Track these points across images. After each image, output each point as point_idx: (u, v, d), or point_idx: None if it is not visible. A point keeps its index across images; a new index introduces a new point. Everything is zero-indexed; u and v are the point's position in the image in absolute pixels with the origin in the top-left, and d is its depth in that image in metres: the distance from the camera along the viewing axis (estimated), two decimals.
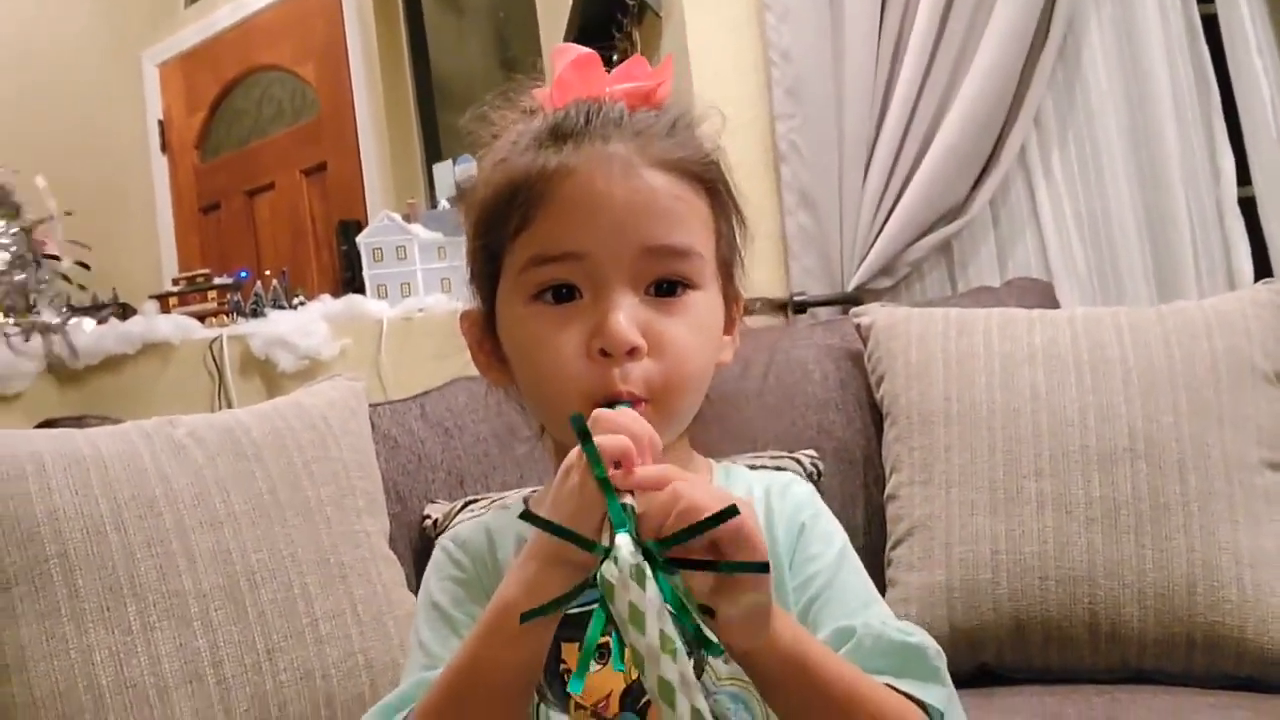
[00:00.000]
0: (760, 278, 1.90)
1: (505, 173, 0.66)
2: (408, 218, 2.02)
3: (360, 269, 3.15)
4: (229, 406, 1.79)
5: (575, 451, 0.55)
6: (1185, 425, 1.19)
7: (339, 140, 3.38)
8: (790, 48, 1.86)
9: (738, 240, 0.74)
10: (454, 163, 3.29)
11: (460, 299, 1.81)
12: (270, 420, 1.21)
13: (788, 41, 1.86)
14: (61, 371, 1.76)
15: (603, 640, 0.53)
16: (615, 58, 2.36)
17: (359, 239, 1.96)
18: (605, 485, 0.53)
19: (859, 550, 1.40)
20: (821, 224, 1.86)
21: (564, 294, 0.64)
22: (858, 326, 1.49)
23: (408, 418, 1.46)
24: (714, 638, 0.52)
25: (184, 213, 3.83)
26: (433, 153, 3.36)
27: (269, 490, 1.13)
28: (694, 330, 0.66)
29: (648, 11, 2.14)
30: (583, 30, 2.43)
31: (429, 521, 1.32)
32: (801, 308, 1.85)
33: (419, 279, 1.93)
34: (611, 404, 0.61)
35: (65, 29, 3.50)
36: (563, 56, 0.71)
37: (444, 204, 2.13)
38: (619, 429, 0.55)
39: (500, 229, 0.65)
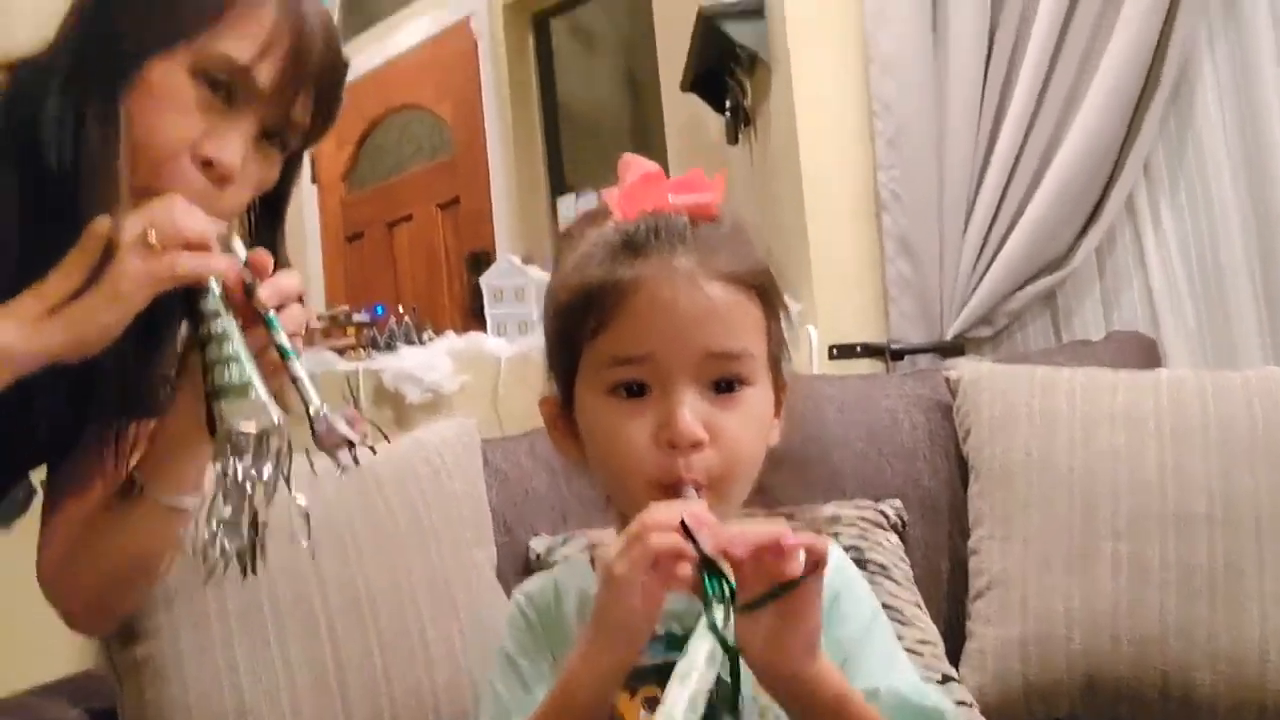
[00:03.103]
0: (860, 323, 1.96)
1: (583, 279, 0.76)
2: (527, 260, 2.15)
3: None
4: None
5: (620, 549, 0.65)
6: (1264, 492, 1.20)
7: (471, 176, 3.57)
8: (893, 99, 1.91)
9: (785, 334, 0.82)
10: (576, 198, 3.45)
11: None
12: (392, 456, 1.35)
13: (890, 92, 1.91)
14: None
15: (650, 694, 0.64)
16: (728, 102, 2.47)
17: (482, 280, 2.11)
18: (706, 562, 0.63)
19: (941, 599, 1.46)
20: (921, 272, 1.90)
21: (635, 389, 0.74)
22: (947, 380, 1.54)
23: (518, 453, 1.57)
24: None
25: (331, 240, 4.11)
26: (557, 186, 3.52)
27: (389, 518, 1.27)
28: (748, 423, 0.75)
29: (758, 62, 2.23)
30: (698, 77, 2.54)
31: (533, 554, 1.43)
32: (899, 355, 1.89)
33: (535, 319, 2.07)
34: (676, 489, 0.71)
35: None
36: (629, 169, 0.80)
37: None
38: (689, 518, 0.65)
39: (579, 330, 0.75)
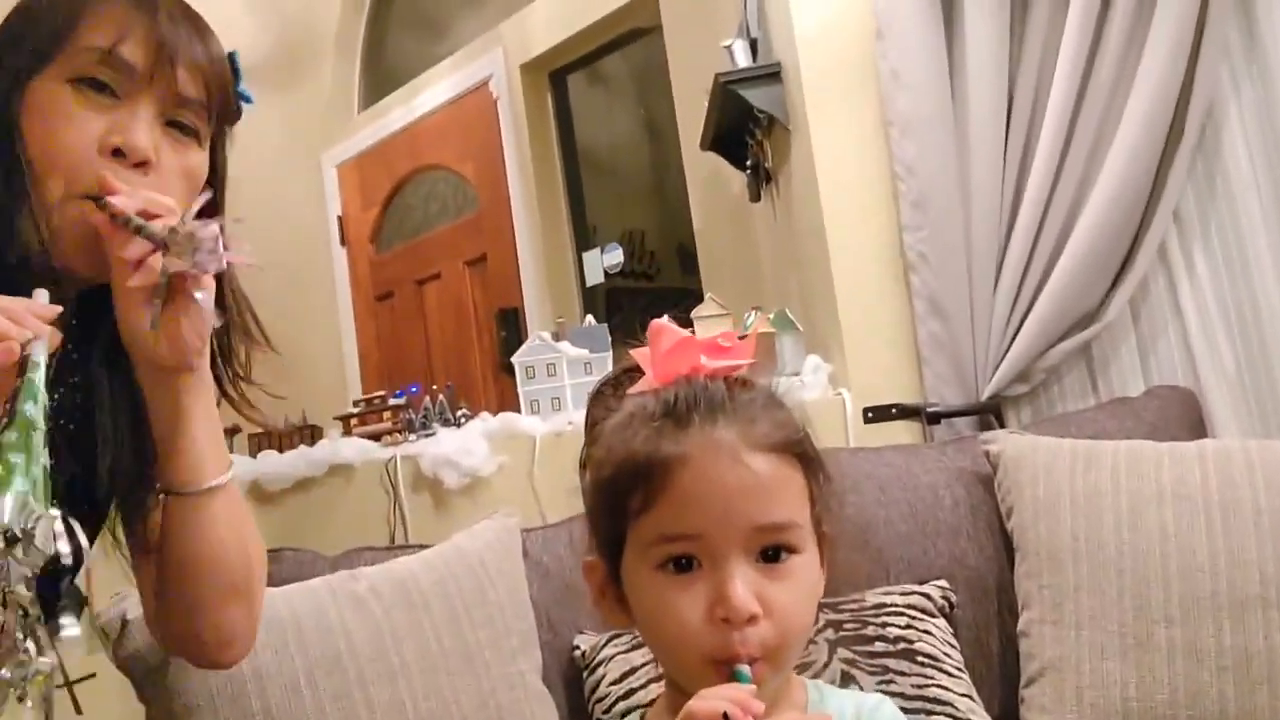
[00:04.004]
0: (894, 385, 1.95)
1: (627, 454, 0.75)
2: (557, 335, 2.16)
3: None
4: (403, 521, 1.97)
5: None
6: None
7: (497, 233, 3.60)
8: (915, 162, 1.91)
9: (826, 491, 0.81)
10: (601, 251, 3.47)
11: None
12: (436, 568, 1.36)
13: (912, 156, 1.91)
14: (261, 493, 1.99)
15: None
16: (749, 162, 2.47)
17: (514, 359, 2.12)
18: None
19: (995, 681, 1.44)
20: (953, 331, 1.89)
21: (684, 564, 0.74)
22: (987, 453, 1.52)
23: (557, 545, 1.57)
24: None
25: (361, 300, 4.15)
26: (582, 241, 3.54)
27: (435, 639, 1.28)
28: (798, 592, 0.74)
29: (776, 124, 2.23)
30: (717, 137, 2.55)
31: (578, 652, 1.43)
32: (936, 418, 1.88)
33: (568, 394, 2.07)
34: (732, 664, 0.71)
35: (253, 136, 3.87)
36: (661, 336, 0.81)
37: (589, 320, 2.27)
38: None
39: (624, 505, 0.75)
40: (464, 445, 1.98)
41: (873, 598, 1.39)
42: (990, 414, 1.87)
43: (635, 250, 4.52)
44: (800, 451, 0.77)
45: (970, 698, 1.30)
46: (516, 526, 1.51)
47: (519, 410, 2.12)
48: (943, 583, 1.45)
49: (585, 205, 3.56)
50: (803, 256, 2.22)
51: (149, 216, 0.79)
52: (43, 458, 0.69)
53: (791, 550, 0.75)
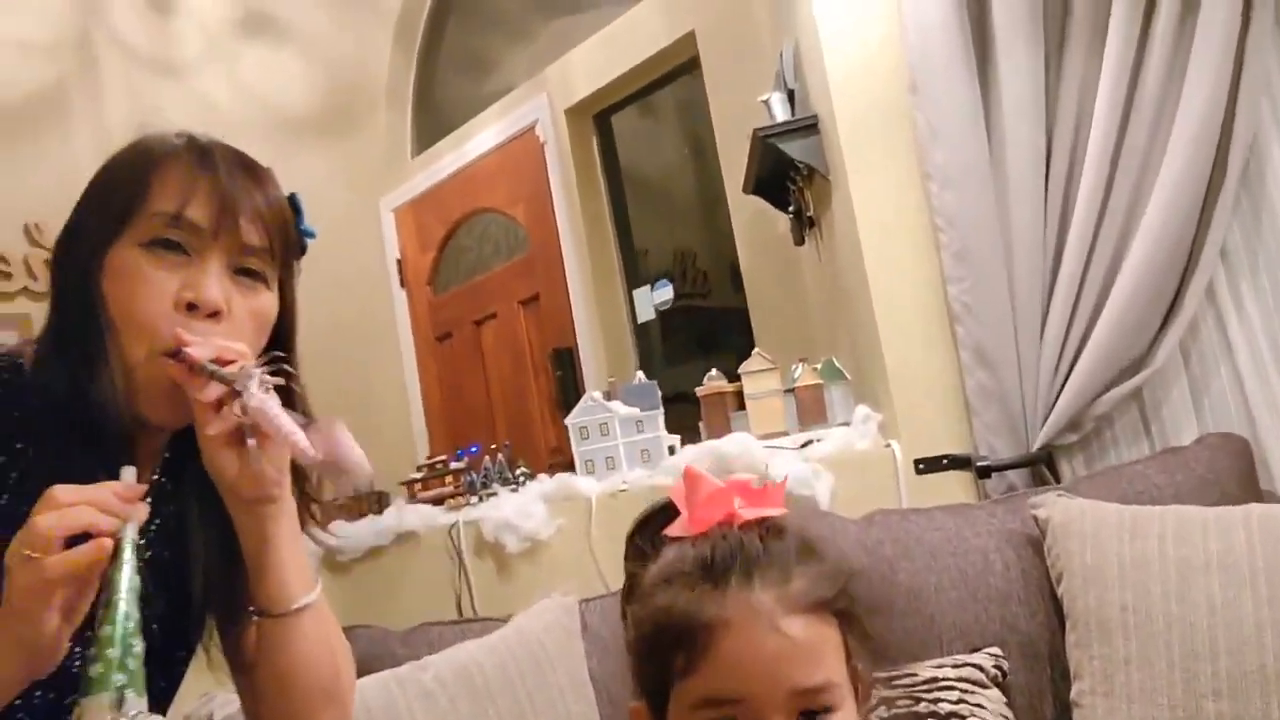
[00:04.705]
0: (943, 435, 1.97)
1: (667, 615, 0.79)
2: (608, 394, 2.21)
3: (574, 395, 3.41)
4: (468, 586, 2.04)
5: None
6: None
7: (548, 273, 3.67)
8: (955, 214, 1.92)
9: (862, 640, 0.84)
10: (651, 288, 3.51)
11: (656, 472, 1.98)
12: (498, 652, 1.42)
13: (952, 208, 1.92)
14: (334, 564, 2.08)
15: None
16: (792, 207, 2.49)
17: (567, 421, 2.17)
18: None
19: None
20: (1001, 381, 1.90)
21: None
22: (1035, 518, 1.54)
23: (614, 615, 1.62)
24: None
25: (422, 341, 4.25)
26: (632, 278, 3.59)
27: None
28: None
29: (816, 173, 2.25)
30: (759, 183, 2.57)
31: None
32: (987, 472, 1.89)
33: (621, 453, 2.12)
34: None
35: (312, 182, 4.00)
36: (695, 486, 0.85)
37: (640, 377, 2.32)
38: None
39: (667, 664, 0.79)
40: (523, 508, 2.04)
41: (925, 671, 1.41)
42: (1042, 464, 1.88)
43: (687, 271, 4.56)
44: (836, 607, 0.80)
45: None
46: (574, 605, 1.57)
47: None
48: (995, 650, 1.46)
49: (633, 238, 3.61)
50: (848, 304, 2.24)
51: (223, 363, 0.85)
52: (138, 646, 0.75)
53: (830, 709, 0.78)
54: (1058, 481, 1.85)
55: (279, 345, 0.96)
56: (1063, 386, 1.86)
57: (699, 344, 4.40)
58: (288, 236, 0.96)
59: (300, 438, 0.85)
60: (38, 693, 0.87)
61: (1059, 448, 1.88)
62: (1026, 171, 1.86)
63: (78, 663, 0.85)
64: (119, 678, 0.73)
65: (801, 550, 0.82)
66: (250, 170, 0.95)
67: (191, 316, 0.88)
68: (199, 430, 0.87)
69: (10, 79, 3.26)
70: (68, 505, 0.76)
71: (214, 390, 0.85)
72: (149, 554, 0.81)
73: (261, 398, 0.84)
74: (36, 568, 0.74)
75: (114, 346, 0.87)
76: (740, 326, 3.14)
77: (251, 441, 0.86)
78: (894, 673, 1.42)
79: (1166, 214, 1.80)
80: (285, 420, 0.85)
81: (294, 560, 0.93)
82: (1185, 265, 1.84)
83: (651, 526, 0.88)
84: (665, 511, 0.89)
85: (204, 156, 0.92)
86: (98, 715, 0.72)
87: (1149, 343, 1.85)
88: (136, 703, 0.73)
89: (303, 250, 1.00)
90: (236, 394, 0.85)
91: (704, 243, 4.26)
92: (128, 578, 0.77)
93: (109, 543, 0.76)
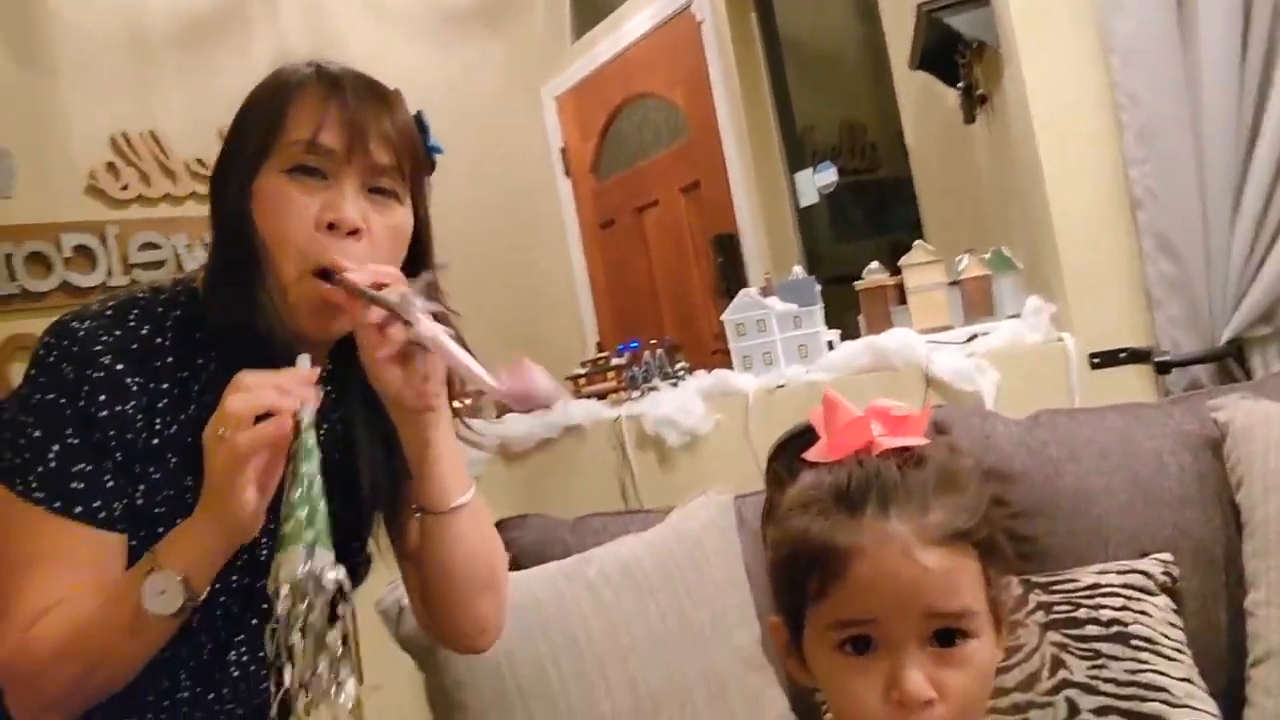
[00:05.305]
0: (1121, 328, 1.87)
1: (802, 539, 0.80)
2: (765, 290, 2.20)
3: (736, 282, 3.41)
4: (631, 476, 2.12)
5: None
6: None
7: (708, 159, 3.62)
8: (1138, 90, 1.77)
9: (1004, 575, 0.83)
10: (814, 171, 3.42)
11: (814, 369, 1.98)
12: (657, 549, 1.49)
13: (1136, 84, 1.78)
14: (509, 453, 2.20)
15: None
16: (961, 83, 2.36)
17: (724, 317, 2.18)
18: None
19: (1220, 654, 1.41)
20: (1186, 271, 1.78)
21: (861, 645, 0.79)
22: (1215, 420, 1.46)
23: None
24: None
25: (587, 229, 4.31)
26: (794, 161, 3.50)
27: (660, 620, 1.41)
28: (973, 677, 0.78)
29: (987, 47, 2.12)
30: (925, 58, 2.44)
31: None
32: (1168, 367, 1.79)
33: (778, 349, 2.12)
34: None
35: (476, 74, 4.06)
36: (835, 411, 0.85)
37: (797, 271, 2.29)
38: None
39: (802, 586, 0.80)
40: (682, 404, 2.09)
41: (1087, 577, 1.39)
42: (1230, 359, 1.76)
43: (855, 145, 4.41)
44: (976, 536, 0.80)
45: (1189, 681, 1.29)
46: (729, 503, 1.61)
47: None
48: (1166, 556, 1.42)
49: (796, 116, 3.50)
50: (1020, 188, 2.12)
51: (378, 287, 0.92)
52: (322, 506, 0.85)
53: (966, 635, 0.78)
54: (1249, 377, 1.74)
55: (416, 258, 1.03)
56: (1255, 274, 1.72)
57: (869, 220, 4.28)
58: (416, 154, 1.01)
59: (482, 373, 0.90)
60: (234, 577, 0.99)
61: (1250, 340, 1.76)
62: (1219, 43, 1.69)
63: (265, 552, 0.97)
64: (308, 533, 0.83)
65: (941, 481, 0.81)
66: (377, 94, 1.00)
67: (332, 235, 0.94)
68: (364, 351, 0.93)
69: None
70: (254, 388, 0.85)
71: (376, 314, 0.91)
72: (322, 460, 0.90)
73: (435, 329, 0.90)
74: (230, 444, 0.83)
75: (268, 268, 0.95)
76: (914, 199, 3.02)
77: (412, 364, 0.93)
78: (1054, 578, 1.40)
79: None
80: (465, 357, 0.90)
81: (452, 463, 1.01)
82: None
83: (790, 450, 0.90)
84: (804, 435, 0.90)
85: (333, 84, 0.97)
86: (292, 564, 0.82)
87: None
88: (325, 554, 0.83)
89: (432, 166, 1.05)
90: (398, 317, 0.91)
91: (873, 114, 4.09)
92: (309, 450, 0.86)
93: (290, 420, 0.85)
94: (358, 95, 0.97)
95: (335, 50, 3.85)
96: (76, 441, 0.92)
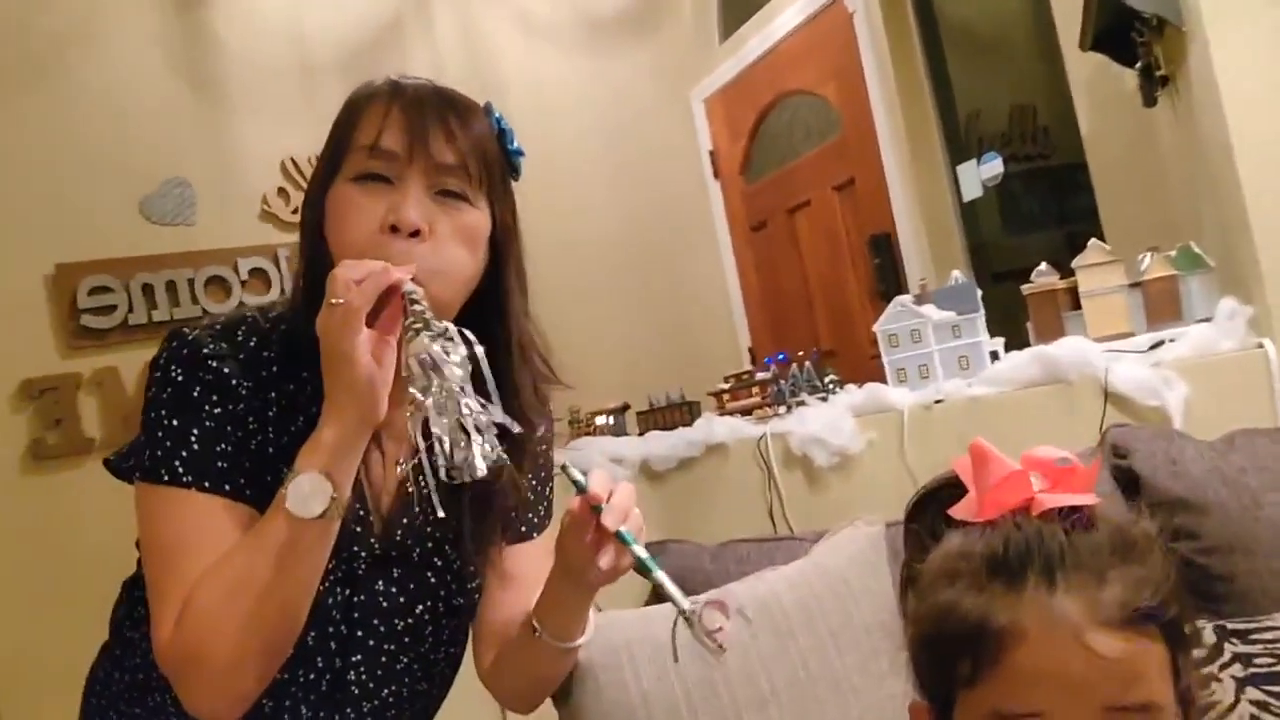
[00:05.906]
0: None
1: (951, 615, 0.69)
2: (920, 298, 2.06)
3: (894, 284, 3.25)
4: (778, 497, 2.03)
5: None
6: None
7: (863, 155, 3.47)
8: None
9: (1194, 656, 0.70)
10: (978, 162, 3.21)
11: (976, 382, 1.83)
12: (798, 587, 1.39)
13: None
14: (650, 472, 2.15)
15: None
16: (1139, 65, 2.16)
17: (875, 327, 2.06)
18: None
19: None
20: None
21: None
22: None
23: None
24: None
25: (738, 232, 4.22)
26: (955, 154, 3.31)
27: (802, 665, 1.31)
28: None
29: (1168, 24, 1.91)
30: (1097, 39, 2.24)
31: None
32: None
33: (935, 360, 1.97)
34: None
35: (624, 80, 4.05)
36: (985, 463, 0.74)
37: (956, 276, 2.14)
38: None
39: (950, 671, 0.70)
40: (831, 422, 1.98)
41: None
42: None
43: (1025, 130, 4.13)
44: (1161, 618, 0.67)
45: None
46: (880, 534, 1.50)
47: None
48: None
49: (958, 105, 3.30)
50: (1210, 177, 1.91)
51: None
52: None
53: None
54: None
55: (497, 262, 1.02)
56: None
57: (1043, 210, 4.00)
58: (486, 155, 0.99)
59: (681, 598, 0.93)
60: (337, 589, 1.00)
61: None
62: None
63: (362, 566, 1.01)
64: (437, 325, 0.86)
65: (1117, 548, 0.68)
66: (443, 96, 1.00)
67: (394, 238, 0.94)
68: (573, 529, 0.98)
69: (360, 16, 3.54)
70: (358, 264, 0.87)
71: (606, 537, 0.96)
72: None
73: (640, 553, 0.96)
74: (340, 307, 0.85)
75: None
76: (1091, 188, 2.79)
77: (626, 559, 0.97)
78: (1252, 624, 1.23)
79: None
80: (670, 584, 0.94)
81: (585, 612, 1.08)
82: None
83: (932, 507, 0.79)
84: (949, 488, 0.79)
85: (398, 91, 0.98)
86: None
87: None
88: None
89: (515, 171, 1.04)
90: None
91: (1043, 96, 3.82)
92: (426, 309, 0.87)
93: (391, 273, 0.87)
94: (420, 97, 0.98)
95: (489, 67, 3.92)
96: (212, 424, 0.94)
